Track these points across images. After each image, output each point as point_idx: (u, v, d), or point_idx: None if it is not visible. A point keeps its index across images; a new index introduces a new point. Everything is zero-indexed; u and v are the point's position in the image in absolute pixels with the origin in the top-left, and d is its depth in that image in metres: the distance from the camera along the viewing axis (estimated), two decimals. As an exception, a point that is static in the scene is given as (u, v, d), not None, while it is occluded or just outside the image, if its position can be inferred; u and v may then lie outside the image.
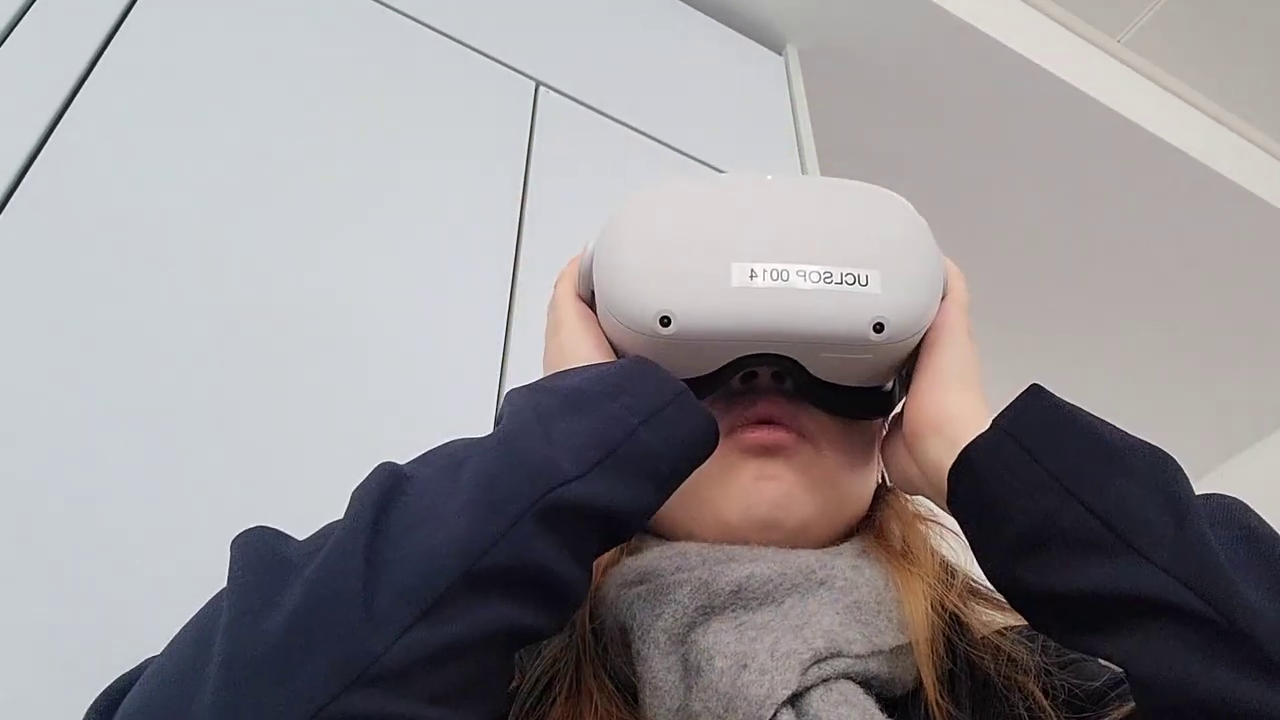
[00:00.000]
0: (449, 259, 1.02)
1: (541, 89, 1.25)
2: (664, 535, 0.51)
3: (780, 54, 1.61)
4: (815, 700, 0.40)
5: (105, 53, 0.95)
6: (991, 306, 2.03)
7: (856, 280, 0.44)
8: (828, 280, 0.44)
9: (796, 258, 0.45)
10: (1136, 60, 1.84)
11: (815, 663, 0.41)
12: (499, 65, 1.23)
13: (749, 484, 0.48)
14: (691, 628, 0.42)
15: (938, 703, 0.43)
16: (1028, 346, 2.15)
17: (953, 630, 0.47)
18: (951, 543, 0.51)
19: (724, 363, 0.46)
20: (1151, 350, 2.12)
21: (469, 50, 1.22)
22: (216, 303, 0.87)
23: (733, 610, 0.43)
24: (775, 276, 0.44)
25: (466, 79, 1.19)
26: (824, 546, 0.50)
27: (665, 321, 0.44)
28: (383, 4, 1.18)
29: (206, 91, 0.99)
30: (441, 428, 0.90)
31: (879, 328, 0.44)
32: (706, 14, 1.56)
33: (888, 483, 0.55)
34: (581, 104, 1.27)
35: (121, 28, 0.97)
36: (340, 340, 0.91)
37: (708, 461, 0.45)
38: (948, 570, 0.50)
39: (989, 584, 0.49)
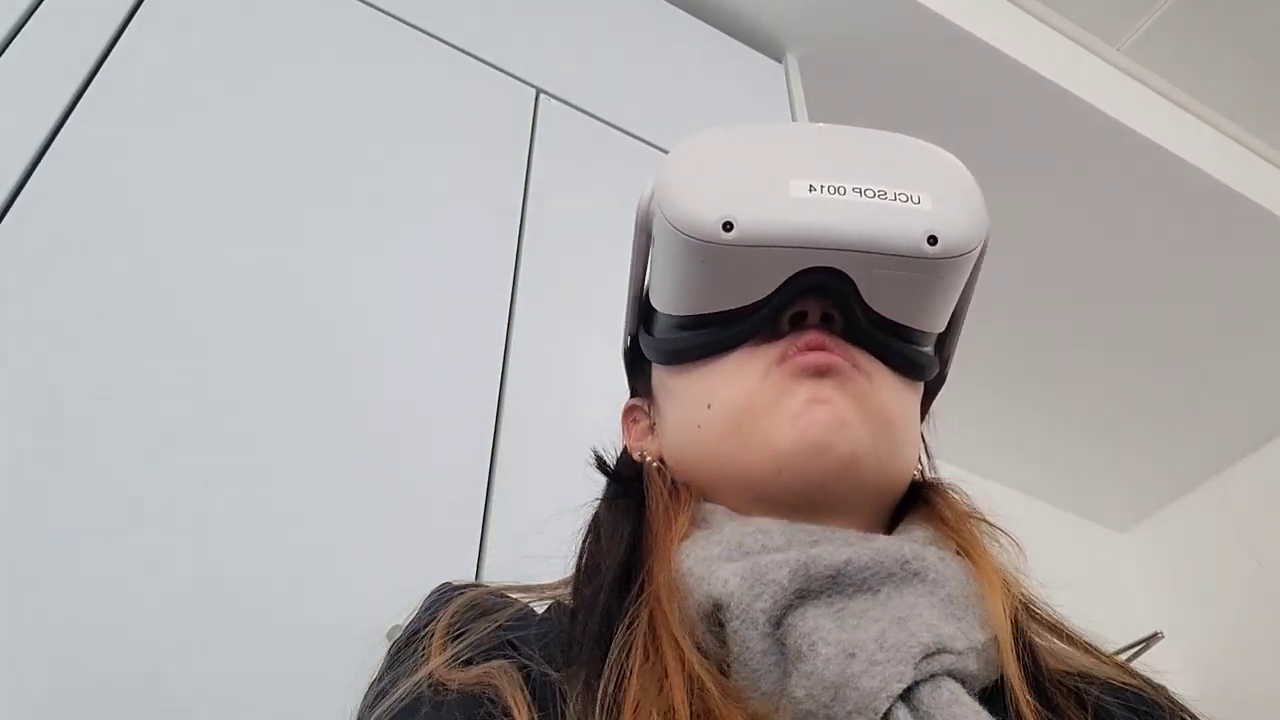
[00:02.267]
0: (450, 265, 1.03)
1: (542, 96, 1.25)
2: (710, 476, 0.50)
3: (780, 62, 1.62)
4: (925, 697, 0.39)
5: (107, 59, 0.95)
6: (990, 309, 2.03)
7: (910, 199, 0.47)
8: (882, 197, 0.47)
9: (853, 178, 0.48)
10: (1136, 68, 1.84)
11: (925, 657, 0.40)
12: (500, 73, 1.24)
13: (800, 407, 0.47)
14: (788, 610, 0.42)
15: (1025, 698, 0.42)
16: (1026, 348, 2.15)
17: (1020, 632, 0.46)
18: (1005, 544, 0.50)
19: (779, 282, 0.47)
20: (1152, 355, 2.12)
21: (470, 58, 1.22)
22: (217, 305, 0.87)
23: (828, 596, 0.42)
24: (833, 191, 0.47)
25: (467, 86, 1.20)
26: (873, 505, 0.49)
27: (728, 226, 0.46)
28: (385, 12, 1.19)
29: (209, 99, 0.99)
30: (442, 432, 0.91)
31: (933, 240, 0.46)
32: (707, 22, 1.56)
33: (926, 475, 0.54)
34: (582, 111, 1.28)
35: (123, 35, 0.98)
36: (341, 345, 0.91)
37: (758, 390, 0.47)
38: (1004, 581, 0.48)
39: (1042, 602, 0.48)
